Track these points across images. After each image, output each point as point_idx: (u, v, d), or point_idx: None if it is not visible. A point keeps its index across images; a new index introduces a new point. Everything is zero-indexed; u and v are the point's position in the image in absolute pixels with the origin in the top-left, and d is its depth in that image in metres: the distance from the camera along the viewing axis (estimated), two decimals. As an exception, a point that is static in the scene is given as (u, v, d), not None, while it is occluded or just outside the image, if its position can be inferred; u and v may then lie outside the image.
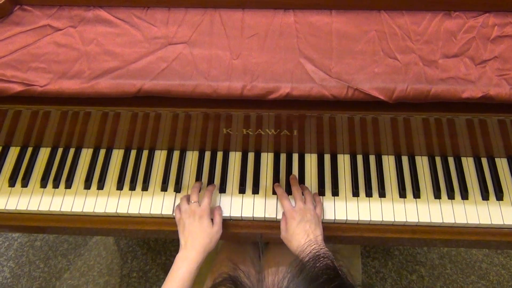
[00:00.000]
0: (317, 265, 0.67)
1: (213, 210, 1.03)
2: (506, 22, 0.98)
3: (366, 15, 1.00)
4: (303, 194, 1.03)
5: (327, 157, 1.13)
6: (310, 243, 0.89)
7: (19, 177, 1.12)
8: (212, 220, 1.01)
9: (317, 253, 0.70)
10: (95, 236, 1.85)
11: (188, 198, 1.03)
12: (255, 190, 1.09)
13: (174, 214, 1.05)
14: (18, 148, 1.16)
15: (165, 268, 1.75)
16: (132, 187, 1.10)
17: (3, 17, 1.01)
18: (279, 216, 1.04)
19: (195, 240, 0.96)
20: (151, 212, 1.07)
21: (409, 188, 1.07)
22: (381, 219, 1.04)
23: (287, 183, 1.09)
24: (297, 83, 0.92)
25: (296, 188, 1.05)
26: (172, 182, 1.10)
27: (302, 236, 0.94)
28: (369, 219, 1.04)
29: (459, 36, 0.97)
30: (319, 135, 1.06)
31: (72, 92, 0.93)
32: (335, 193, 1.07)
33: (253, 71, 0.93)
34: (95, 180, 1.11)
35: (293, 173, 1.11)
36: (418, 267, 1.76)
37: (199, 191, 1.05)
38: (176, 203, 1.07)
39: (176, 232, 1.08)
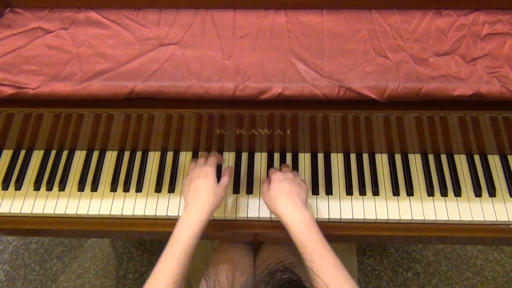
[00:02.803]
0: (276, 279, 0.66)
1: (223, 172, 1.02)
2: (496, 20, 0.98)
3: (357, 14, 1.01)
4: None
5: (320, 156, 1.13)
6: (287, 212, 0.89)
7: (13, 180, 1.11)
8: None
9: (276, 267, 0.69)
10: (90, 238, 1.85)
11: (196, 161, 1.04)
12: (249, 190, 1.09)
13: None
14: (11, 151, 1.15)
15: (161, 269, 1.74)
16: (126, 189, 1.10)
17: (-6, 20, 1.01)
18: (274, 216, 1.04)
19: (199, 199, 0.93)
20: (145, 214, 1.06)
21: (402, 186, 1.08)
22: (375, 217, 1.04)
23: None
24: (289, 83, 0.92)
25: (285, 165, 1.07)
26: (166, 183, 1.10)
27: (284, 193, 0.93)
28: (363, 217, 1.04)
29: (449, 34, 0.97)
30: (312, 134, 1.07)
31: (64, 94, 0.93)
32: (328, 192, 1.08)
33: (245, 71, 0.93)
34: (89, 182, 1.11)
35: (287, 172, 1.11)
36: (414, 264, 1.77)
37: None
38: (170, 204, 1.07)
39: (171, 233, 1.08)
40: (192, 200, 0.93)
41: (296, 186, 0.96)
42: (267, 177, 1.06)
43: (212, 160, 1.01)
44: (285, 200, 0.92)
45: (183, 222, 0.90)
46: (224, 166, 1.12)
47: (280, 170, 1.04)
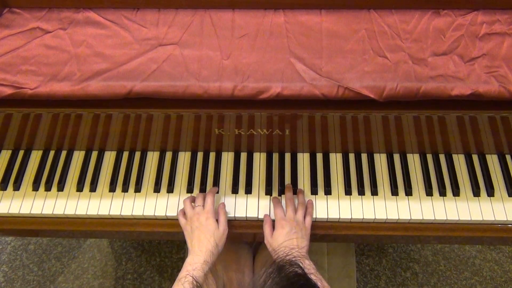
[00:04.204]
0: (283, 273, 0.66)
1: (217, 210, 1.04)
2: (494, 20, 0.99)
3: (356, 14, 1.01)
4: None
5: (319, 156, 1.13)
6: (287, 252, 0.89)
7: (11, 181, 1.11)
8: (217, 221, 1.01)
9: (282, 262, 0.70)
10: (89, 239, 1.84)
11: (191, 201, 1.04)
12: (248, 190, 1.09)
13: (178, 217, 1.04)
14: (9, 151, 1.15)
15: (160, 269, 1.74)
16: (125, 189, 1.10)
17: (-8, 20, 1.01)
18: (272, 216, 1.04)
19: (202, 245, 0.95)
20: (144, 214, 1.06)
21: (401, 185, 1.08)
22: (373, 217, 1.04)
23: (279, 183, 1.09)
24: (288, 83, 0.92)
25: (289, 196, 1.05)
26: (165, 183, 1.10)
27: (288, 247, 0.93)
28: (361, 217, 1.05)
29: (448, 34, 0.97)
30: (311, 134, 1.07)
31: (63, 95, 0.93)
32: (327, 191, 1.08)
33: (244, 71, 0.94)
34: (88, 182, 1.11)
35: (285, 172, 1.11)
36: (412, 264, 1.77)
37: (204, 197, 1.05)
38: (169, 204, 1.07)
39: (170, 233, 1.08)
40: (197, 248, 0.95)
41: (298, 237, 0.96)
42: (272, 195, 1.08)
43: (209, 202, 1.01)
44: (286, 253, 0.92)
45: (190, 264, 0.92)
46: (222, 167, 1.12)
47: (286, 195, 1.05)
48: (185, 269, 0.92)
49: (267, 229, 1.01)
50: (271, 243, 0.98)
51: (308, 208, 1.04)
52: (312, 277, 0.69)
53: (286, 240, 0.95)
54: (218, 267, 1.13)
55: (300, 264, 0.69)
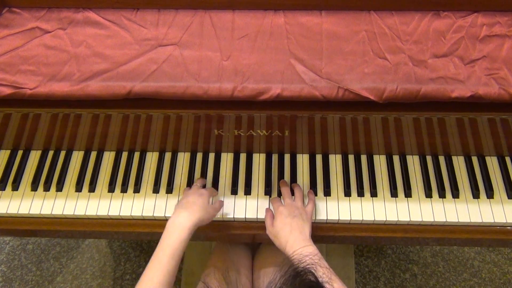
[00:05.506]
0: (298, 280, 0.66)
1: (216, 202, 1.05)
2: (494, 22, 0.99)
3: (356, 16, 1.01)
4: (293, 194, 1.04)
5: (318, 157, 1.13)
6: (295, 250, 0.88)
7: (10, 181, 1.11)
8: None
9: (297, 269, 0.69)
10: (87, 239, 1.84)
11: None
12: (247, 191, 1.09)
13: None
14: (8, 151, 1.15)
15: (159, 270, 1.74)
16: (124, 189, 1.09)
17: (-8, 19, 1.00)
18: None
19: (190, 208, 0.93)
20: (143, 214, 1.06)
21: (400, 187, 1.08)
22: (373, 219, 1.04)
23: (279, 184, 1.09)
24: (288, 84, 0.92)
25: (285, 187, 1.05)
26: (164, 184, 1.10)
27: (289, 232, 0.93)
28: (361, 219, 1.04)
29: (448, 36, 0.97)
30: (311, 135, 1.07)
31: (62, 95, 0.93)
32: (327, 193, 1.08)
33: (244, 72, 0.93)
34: (87, 182, 1.11)
35: (285, 173, 1.11)
36: (411, 265, 1.77)
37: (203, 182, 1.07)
38: (168, 205, 1.07)
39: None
40: (182, 208, 0.93)
41: (299, 221, 0.95)
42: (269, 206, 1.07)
43: (209, 189, 1.03)
44: (290, 239, 0.92)
45: (172, 226, 0.90)
46: (222, 168, 1.12)
47: (281, 187, 1.05)
48: (167, 230, 0.89)
49: (268, 220, 1.00)
50: (271, 231, 0.97)
51: (309, 195, 1.05)
52: (327, 286, 0.69)
53: (287, 225, 0.94)
54: (217, 269, 1.13)
55: (314, 272, 0.69)
